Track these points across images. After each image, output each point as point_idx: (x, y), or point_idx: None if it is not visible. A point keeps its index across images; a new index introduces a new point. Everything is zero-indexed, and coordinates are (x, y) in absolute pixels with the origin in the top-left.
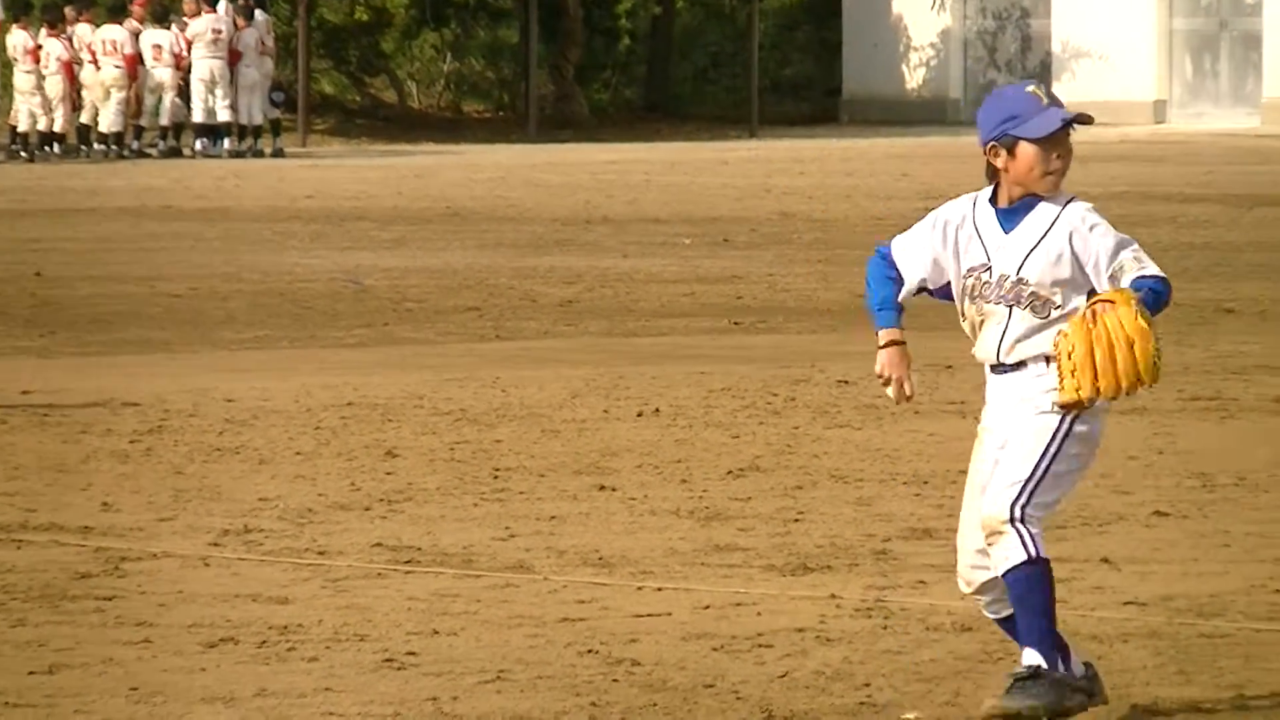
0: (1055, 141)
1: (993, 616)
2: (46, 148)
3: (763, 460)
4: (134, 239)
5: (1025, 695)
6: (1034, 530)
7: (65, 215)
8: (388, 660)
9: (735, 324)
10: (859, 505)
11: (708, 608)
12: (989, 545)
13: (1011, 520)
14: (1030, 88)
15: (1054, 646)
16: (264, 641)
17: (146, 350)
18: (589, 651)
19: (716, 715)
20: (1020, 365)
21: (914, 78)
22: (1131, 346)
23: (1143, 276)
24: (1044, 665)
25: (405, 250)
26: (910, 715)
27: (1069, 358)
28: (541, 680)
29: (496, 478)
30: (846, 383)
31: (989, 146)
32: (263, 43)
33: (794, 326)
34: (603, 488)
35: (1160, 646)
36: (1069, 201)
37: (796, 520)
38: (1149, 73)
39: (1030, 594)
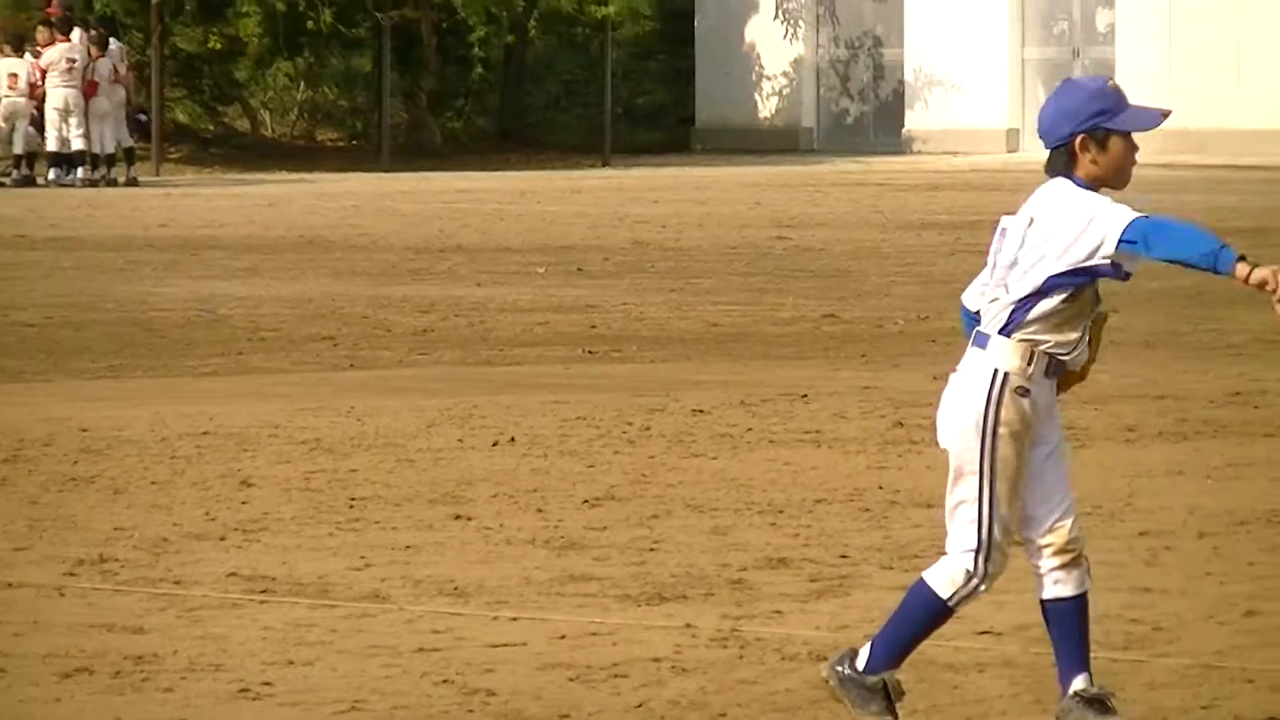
0: (1135, 139)
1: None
2: None
3: (618, 489)
4: None
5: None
6: None
7: None
8: (243, 690)
9: (590, 353)
10: (714, 535)
11: (563, 637)
12: (1064, 570)
13: (1083, 550)
14: (1111, 83)
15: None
16: (119, 672)
17: (0, 380)
18: (445, 681)
19: None
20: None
21: (767, 106)
22: None
23: None
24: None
25: (259, 279)
26: None
27: None
28: (398, 710)
29: (352, 507)
30: (701, 412)
31: (1079, 138)
32: (116, 71)
33: (649, 355)
34: (458, 517)
35: (1016, 676)
36: None
37: (652, 550)
38: (1001, 101)
39: (1085, 616)
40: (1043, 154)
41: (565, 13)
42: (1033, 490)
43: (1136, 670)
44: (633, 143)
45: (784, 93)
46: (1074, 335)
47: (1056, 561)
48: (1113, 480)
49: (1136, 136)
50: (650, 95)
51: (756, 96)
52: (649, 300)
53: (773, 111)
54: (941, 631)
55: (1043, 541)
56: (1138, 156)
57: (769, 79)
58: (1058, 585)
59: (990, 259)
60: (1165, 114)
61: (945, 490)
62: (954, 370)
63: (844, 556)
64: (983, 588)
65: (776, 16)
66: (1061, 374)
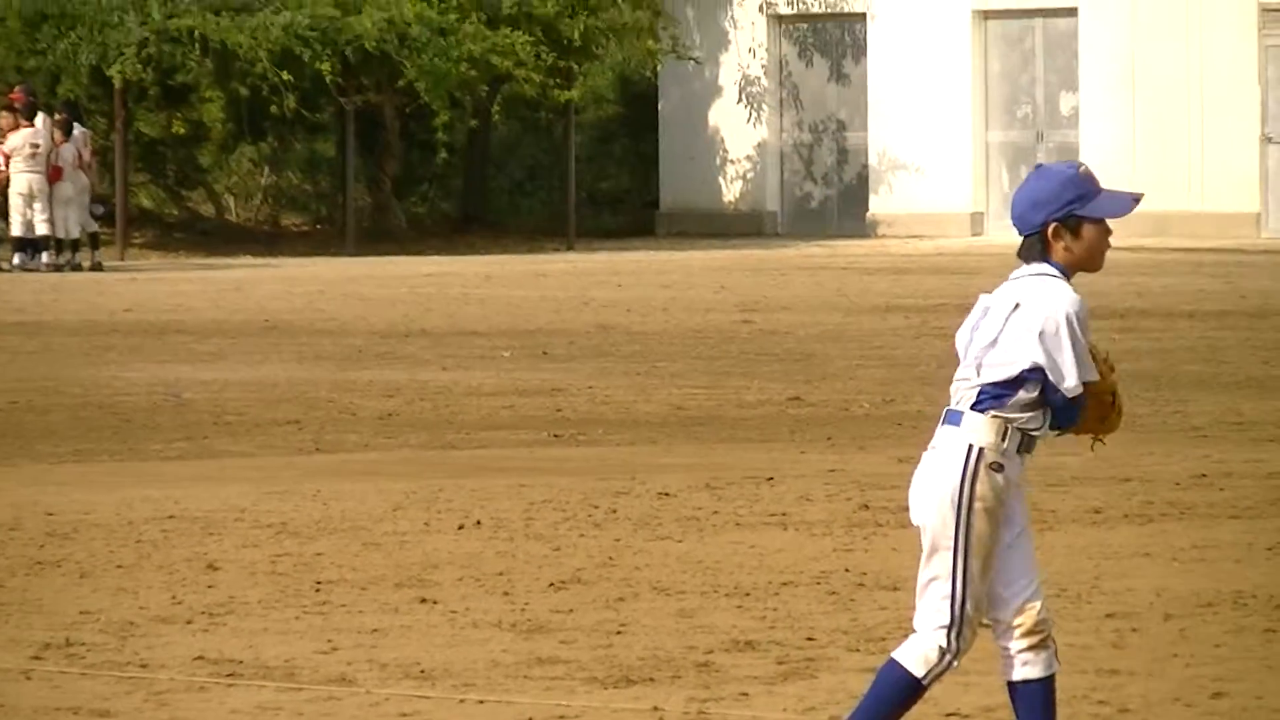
0: (1108, 225)
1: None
2: None
3: (584, 572)
4: None
5: None
6: None
7: None
8: None
9: (555, 436)
10: (681, 617)
11: None
12: (1032, 652)
13: (1050, 635)
14: (1083, 168)
15: None
16: None
17: None
18: None
19: None
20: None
21: (731, 190)
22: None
23: None
24: None
25: (224, 363)
26: None
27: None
28: None
29: (318, 590)
30: (667, 494)
31: (1053, 226)
32: (80, 156)
33: (614, 439)
34: (424, 600)
35: None
36: None
37: (619, 632)
38: (965, 185)
39: (1051, 700)
40: (1008, 237)
41: (528, 97)
42: (1002, 569)
43: None
44: (596, 227)
45: (748, 176)
46: (1044, 416)
47: (1026, 643)
48: (1079, 562)
49: (1110, 221)
50: (614, 179)
51: (720, 180)
52: (614, 384)
53: (737, 195)
54: (907, 714)
55: (1014, 622)
56: (1112, 240)
57: (733, 163)
58: (1027, 667)
59: (966, 335)
60: (1137, 199)
61: (912, 572)
62: (924, 450)
63: (810, 639)
64: (955, 664)
65: (740, 100)
66: (1032, 451)
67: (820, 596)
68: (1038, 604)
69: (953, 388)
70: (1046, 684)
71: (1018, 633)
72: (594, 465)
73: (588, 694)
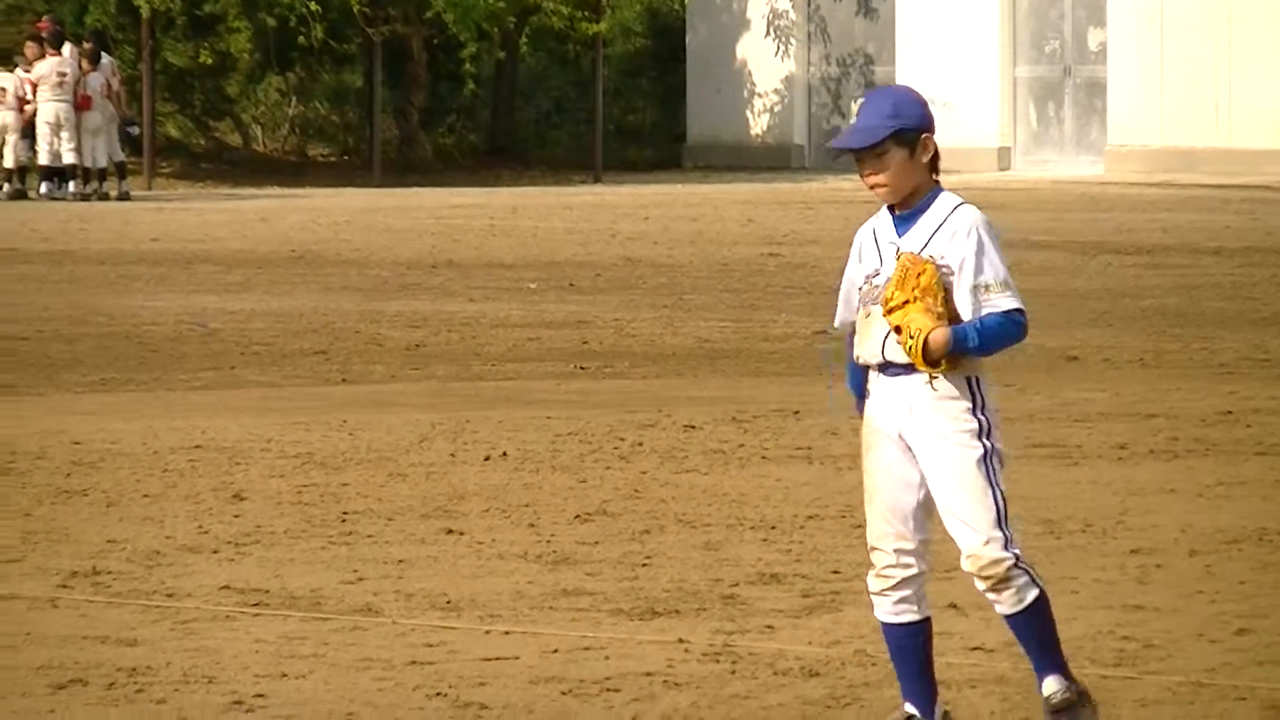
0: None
1: (891, 620)
2: None
3: (610, 505)
4: None
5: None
6: (1028, 562)
7: None
8: (236, 703)
9: (582, 369)
10: (707, 550)
11: (556, 651)
12: (995, 593)
13: (1017, 563)
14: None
15: (1066, 666)
16: (112, 683)
17: None
18: (437, 694)
19: None
20: (911, 368)
21: (758, 124)
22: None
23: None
24: (1076, 688)
25: (250, 293)
26: None
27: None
28: None
29: (344, 521)
30: (693, 428)
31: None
32: (108, 85)
33: (640, 371)
34: (450, 531)
35: (1007, 692)
36: (961, 205)
37: (644, 565)
38: (993, 120)
39: (1047, 623)
40: (1035, 172)
41: (556, 29)
42: (912, 518)
43: (1128, 687)
44: (623, 160)
45: (775, 110)
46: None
47: (983, 586)
48: (1104, 498)
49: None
50: (641, 112)
51: (748, 114)
52: (640, 316)
53: (764, 129)
54: (933, 647)
55: (963, 569)
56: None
57: (760, 96)
58: (998, 605)
59: None
60: (839, 147)
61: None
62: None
63: (836, 572)
64: (871, 587)
65: (768, 34)
66: (873, 387)
67: (845, 530)
68: (971, 551)
69: None
70: (1022, 617)
71: (974, 579)
72: (620, 398)
73: (613, 626)
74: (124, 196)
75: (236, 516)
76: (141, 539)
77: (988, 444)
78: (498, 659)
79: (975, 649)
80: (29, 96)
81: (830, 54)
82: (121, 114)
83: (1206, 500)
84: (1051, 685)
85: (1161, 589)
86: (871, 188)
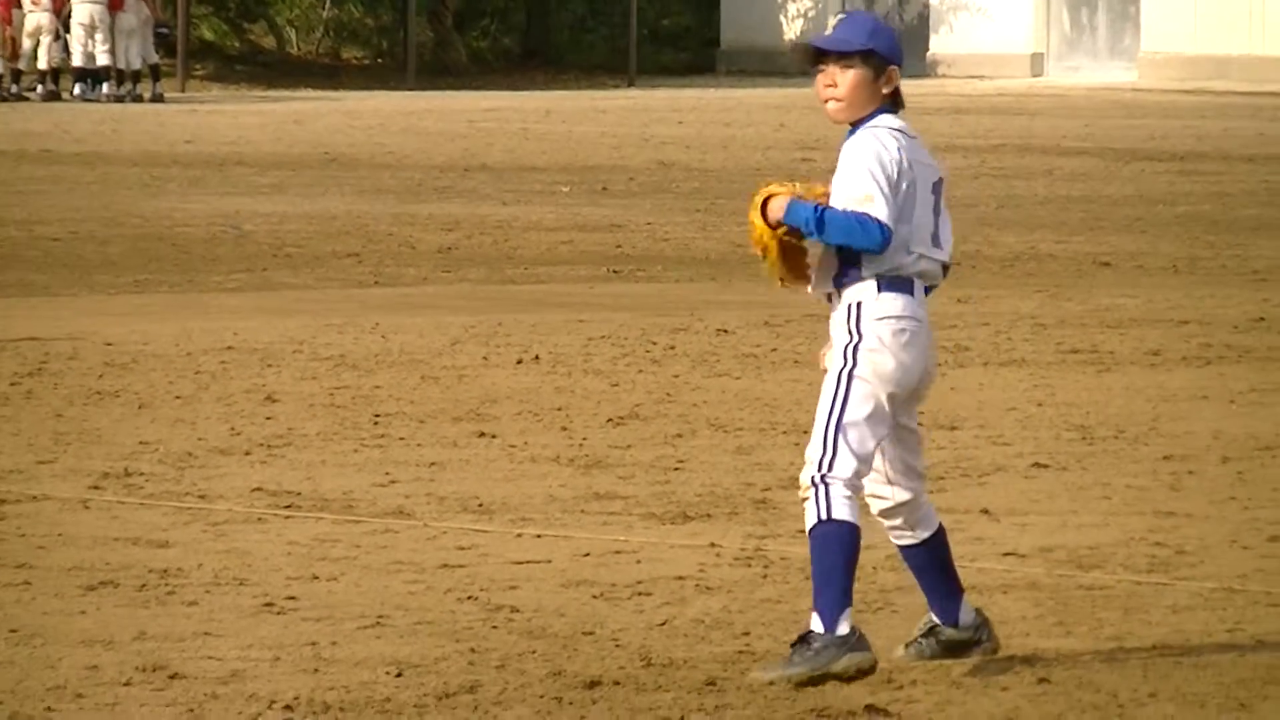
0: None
1: (893, 541)
2: None
3: (642, 408)
4: (12, 182)
5: (783, 665)
6: (835, 491)
7: None
8: (267, 605)
9: (614, 272)
10: (739, 454)
11: (587, 555)
12: (803, 503)
13: (813, 484)
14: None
15: (837, 606)
16: (144, 585)
17: (25, 293)
18: (468, 598)
19: (595, 662)
20: (829, 298)
21: (792, 28)
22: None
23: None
24: (814, 630)
25: (284, 196)
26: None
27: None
28: (421, 626)
29: (376, 423)
30: (726, 332)
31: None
32: None
33: (673, 275)
34: (482, 434)
35: (1040, 598)
36: (860, 129)
37: (676, 469)
38: (1026, 26)
39: (821, 555)
40: (1068, 79)
41: None
42: None
43: (1160, 593)
44: (657, 64)
45: (809, 15)
46: None
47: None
48: (1137, 404)
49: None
50: (675, 16)
51: (781, 18)
52: (674, 220)
53: (798, 34)
54: (964, 552)
55: None
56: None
57: (794, 1)
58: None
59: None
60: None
61: (971, 412)
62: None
63: None
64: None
65: None
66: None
67: None
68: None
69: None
70: (810, 539)
71: None
72: (653, 301)
73: (645, 529)
74: (157, 98)
75: (268, 419)
76: (173, 440)
77: (850, 359)
78: (529, 562)
79: (1008, 554)
80: None
81: None
82: (155, 16)
83: (1239, 407)
84: (814, 622)
85: (1194, 495)
86: (825, 100)
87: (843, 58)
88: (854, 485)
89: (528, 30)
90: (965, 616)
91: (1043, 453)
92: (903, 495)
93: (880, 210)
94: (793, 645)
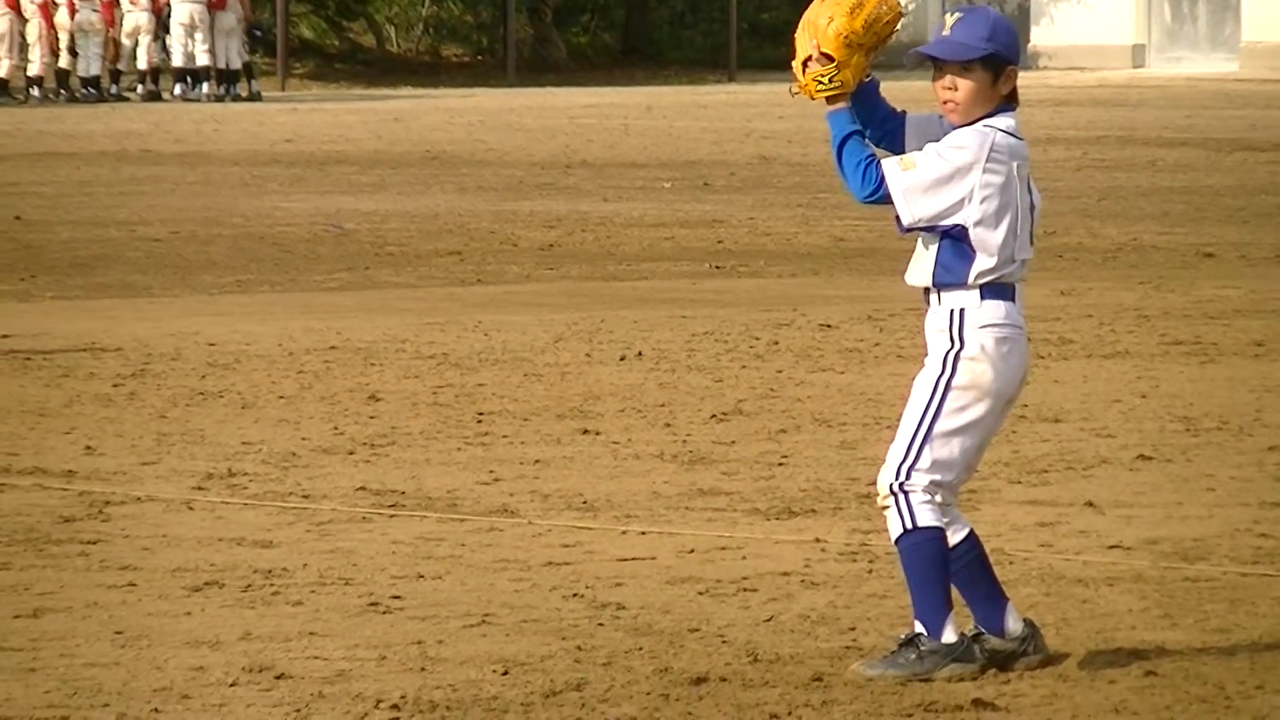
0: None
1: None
2: (31, 90)
3: (746, 404)
4: (114, 183)
5: (886, 664)
6: (916, 499)
7: (45, 159)
8: (373, 604)
9: (716, 268)
10: (843, 449)
11: (692, 552)
12: (882, 510)
13: (892, 493)
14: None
15: (938, 614)
16: (249, 585)
17: (128, 294)
18: (574, 595)
19: (702, 659)
20: (925, 296)
21: None
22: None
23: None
24: (922, 634)
25: (385, 194)
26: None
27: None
28: (527, 624)
29: (480, 422)
30: (829, 326)
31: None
32: None
33: (775, 270)
34: (586, 432)
35: (1145, 590)
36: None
37: (780, 464)
38: (1128, 17)
39: (912, 565)
40: (1170, 70)
41: None
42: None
43: (1266, 584)
44: (758, 58)
45: (910, 8)
46: None
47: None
48: (1240, 395)
49: None
50: (775, 10)
51: None
52: (775, 215)
53: (898, 26)
54: (1069, 545)
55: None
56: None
57: None
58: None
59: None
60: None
61: (1075, 405)
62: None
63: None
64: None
65: None
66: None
67: None
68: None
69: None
70: (898, 549)
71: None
72: (755, 297)
73: (749, 525)
74: (255, 97)
75: (372, 418)
76: (277, 440)
77: (949, 367)
78: (634, 559)
79: (1113, 547)
80: None
81: None
82: (247, 16)
83: None
84: (917, 627)
85: None
86: (943, 102)
87: (962, 64)
88: (933, 491)
89: (627, 26)
90: (1013, 625)
91: (1147, 445)
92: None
93: (895, 175)
94: (899, 644)
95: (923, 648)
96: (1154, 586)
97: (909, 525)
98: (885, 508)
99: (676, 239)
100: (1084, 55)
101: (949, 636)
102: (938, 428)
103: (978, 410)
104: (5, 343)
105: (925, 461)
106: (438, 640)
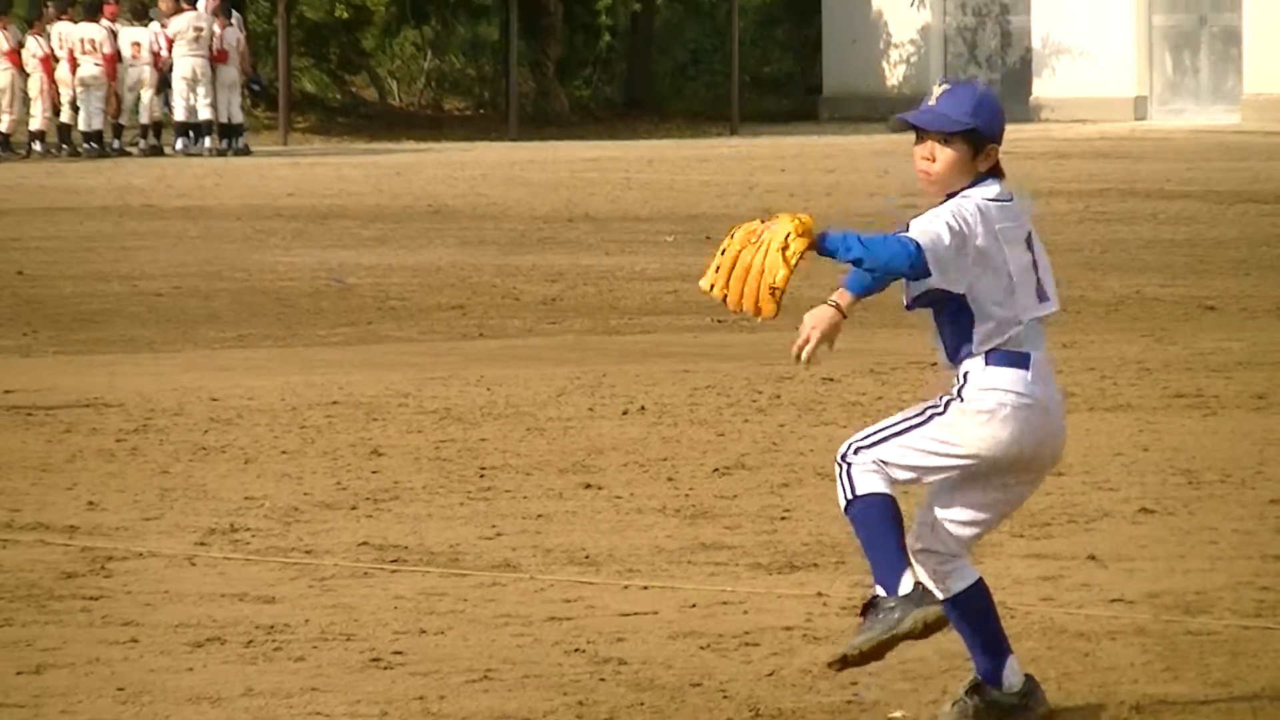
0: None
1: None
2: (33, 145)
3: (748, 458)
4: (116, 237)
5: (854, 635)
6: (857, 470)
7: (46, 213)
8: (375, 660)
9: (719, 321)
10: None
11: (694, 606)
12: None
13: (836, 464)
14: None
15: (894, 573)
16: (251, 641)
17: (130, 349)
18: (576, 650)
19: (704, 714)
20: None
21: (894, 74)
22: (760, 275)
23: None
24: (882, 595)
25: (387, 248)
26: (897, 714)
27: (721, 252)
28: (529, 679)
29: (482, 476)
30: (831, 380)
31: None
32: (240, 40)
33: (777, 324)
34: (588, 486)
35: (1147, 644)
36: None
37: (783, 518)
38: (1129, 69)
39: (862, 530)
40: (1172, 122)
41: None
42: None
43: (1268, 638)
44: (759, 111)
45: (911, 60)
46: None
47: None
48: (1243, 448)
49: None
50: (777, 63)
51: (884, 64)
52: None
53: (900, 79)
54: (1071, 599)
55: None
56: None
57: (896, 47)
58: None
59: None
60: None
61: (1083, 459)
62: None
63: None
64: None
65: None
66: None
67: None
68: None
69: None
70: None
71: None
72: (757, 350)
73: (752, 579)
74: (242, 150)
75: (374, 472)
76: (279, 495)
77: (942, 406)
78: (636, 614)
79: (1115, 600)
80: (164, 51)
81: (966, 4)
82: (245, 70)
83: None
84: (878, 591)
85: None
86: (921, 170)
87: (943, 135)
88: (878, 468)
89: (629, 79)
90: (1011, 679)
91: (1149, 498)
92: (939, 546)
93: (924, 236)
94: (862, 614)
95: (884, 606)
96: (1156, 640)
97: (850, 495)
98: (835, 479)
99: (679, 293)
100: (1086, 107)
101: (905, 588)
102: (905, 437)
103: (950, 455)
104: (8, 398)
105: (879, 450)
106: (439, 696)
